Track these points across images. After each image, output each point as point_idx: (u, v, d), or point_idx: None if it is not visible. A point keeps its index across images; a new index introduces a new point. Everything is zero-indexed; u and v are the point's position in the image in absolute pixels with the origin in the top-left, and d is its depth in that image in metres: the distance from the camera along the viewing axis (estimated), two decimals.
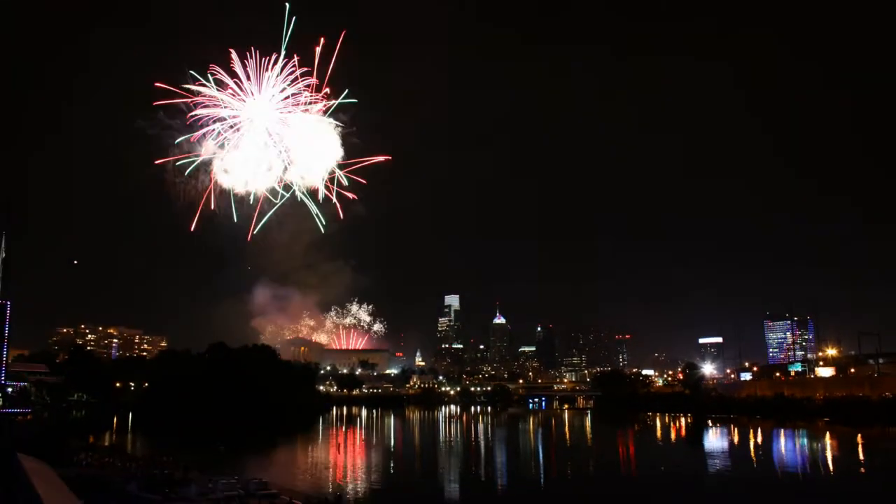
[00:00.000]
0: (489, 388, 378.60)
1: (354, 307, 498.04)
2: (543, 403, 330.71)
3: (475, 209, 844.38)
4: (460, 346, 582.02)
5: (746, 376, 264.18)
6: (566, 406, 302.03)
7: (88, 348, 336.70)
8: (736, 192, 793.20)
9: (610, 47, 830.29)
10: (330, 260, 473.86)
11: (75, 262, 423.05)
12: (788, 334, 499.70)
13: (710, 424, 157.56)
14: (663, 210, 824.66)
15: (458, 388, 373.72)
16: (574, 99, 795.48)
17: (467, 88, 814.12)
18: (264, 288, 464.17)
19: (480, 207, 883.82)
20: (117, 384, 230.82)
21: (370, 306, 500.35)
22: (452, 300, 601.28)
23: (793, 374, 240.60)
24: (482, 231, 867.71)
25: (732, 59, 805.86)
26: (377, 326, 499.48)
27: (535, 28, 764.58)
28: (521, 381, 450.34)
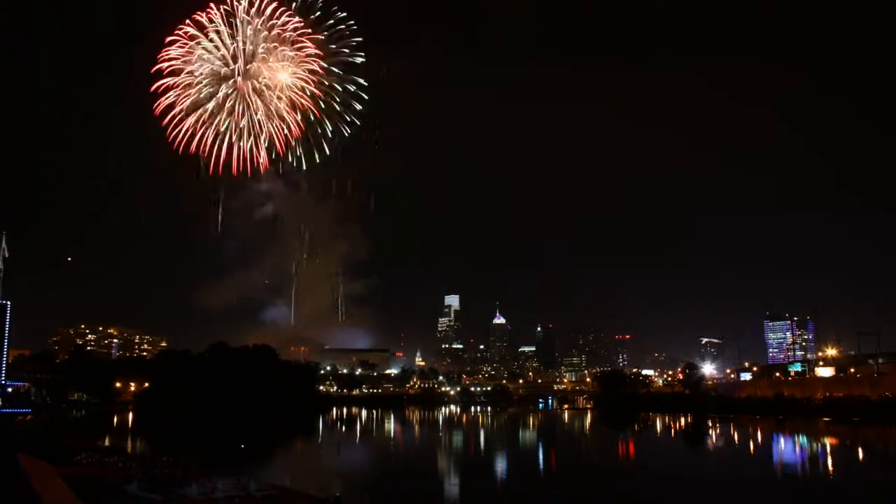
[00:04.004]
0: (489, 388, 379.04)
1: None
2: (550, 403, 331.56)
3: (476, 209, 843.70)
4: (460, 346, 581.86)
5: (746, 376, 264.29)
6: (566, 406, 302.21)
7: (89, 348, 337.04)
8: (735, 192, 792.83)
9: None
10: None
11: (70, 258, 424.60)
12: (788, 334, 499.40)
13: (710, 424, 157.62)
14: (662, 209, 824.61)
15: (458, 388, 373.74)
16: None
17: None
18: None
19: (482, 207, 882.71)
20: (117, 384, 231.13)
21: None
22: (452, 300, 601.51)
23: (793, 373, 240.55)
24: (484, 231, 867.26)
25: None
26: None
27: None
28: (521, 381, 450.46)
